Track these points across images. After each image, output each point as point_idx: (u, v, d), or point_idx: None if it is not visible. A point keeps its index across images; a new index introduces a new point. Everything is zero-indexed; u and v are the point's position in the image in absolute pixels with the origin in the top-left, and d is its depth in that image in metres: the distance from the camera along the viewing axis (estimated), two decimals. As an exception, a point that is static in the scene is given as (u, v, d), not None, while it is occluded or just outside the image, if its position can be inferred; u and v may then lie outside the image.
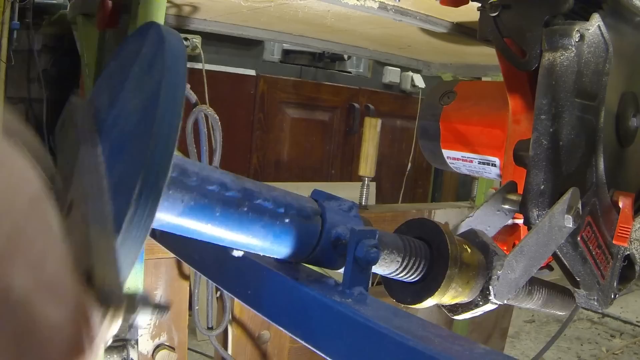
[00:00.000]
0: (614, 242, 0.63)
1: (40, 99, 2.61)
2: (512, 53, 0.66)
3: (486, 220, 0.63)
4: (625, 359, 2.68)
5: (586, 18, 0.62)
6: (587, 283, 0.64)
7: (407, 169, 2.77)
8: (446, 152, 0.86)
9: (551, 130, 0.59)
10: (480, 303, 0.52)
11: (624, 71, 0.68)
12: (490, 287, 0.51)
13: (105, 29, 1.04)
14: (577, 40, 0.59)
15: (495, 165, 0.80)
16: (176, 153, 0.35)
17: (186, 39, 2.28)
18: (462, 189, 3.79)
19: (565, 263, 0.62)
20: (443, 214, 1.70)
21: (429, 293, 0.49)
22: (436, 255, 0.49)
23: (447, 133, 0.85)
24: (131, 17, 0.88)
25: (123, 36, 0.95)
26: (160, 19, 0.84)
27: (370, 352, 0.41)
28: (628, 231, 0.62)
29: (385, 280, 0.53)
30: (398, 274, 0.50)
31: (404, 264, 0.49)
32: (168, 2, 1.04)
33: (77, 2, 1.27)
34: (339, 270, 0.49)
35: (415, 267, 0.49)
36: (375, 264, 0.46)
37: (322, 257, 0.48)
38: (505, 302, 0.53)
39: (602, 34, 0.62)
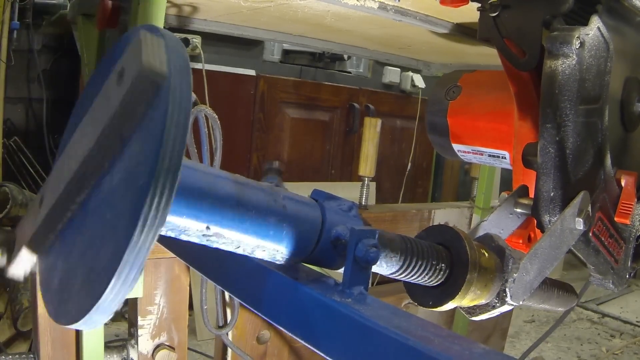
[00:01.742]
0: (615, 219, 0.64)
1: (40, 99, 2.61)
2: (512, 53, 0.66)
3: (500, 223, 0.65)
4: (625, 359, 2.68)
5: (585, 17, 0.62)
6: (602, 269, 0.67)
7: (407, 169, 2.77)
8: (456, 146, 0.87)
9: (557, 138, 0.60)
10: (497, 305, 0.54)
11: (627, 58, 0.68)
12: (507, 290, 0.53)
13: (105, 29, 1.04)
14: (577, 47, 0.59)
15: (505, 158, 0.81)
16: None
17: (186, 39, 2.29)
18: (462, 188, 3.79)
19: (579, 256, 0.64)
20: (443, 214, 1.70)
21: (450, 296, 0.51)
22: (456, 260, 0.51)
23: (455, 128, 0.85)
24: (131, 17, 0.88)
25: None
26: (160, 19, 0.84)
27: (370, 351, 0.41)
28: (630, 208, 0.63)
29: (406, 284, 0.54)
30: (400, 274, 0.50)
31: (406, 264, 0.49)
32: (168, 2, 1.04)
33: (77, 2, 1.27)
34: (338, 270, 0.49)
35: (421, 268, 0.50)
36: (374, 263, 0.46)
37: (322, 256, 0.48)
38: (520, 303, 0.55)
39: (602, 34, 0.62)
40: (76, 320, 0.34)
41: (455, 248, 0.51)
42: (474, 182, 1.83)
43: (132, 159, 0.35)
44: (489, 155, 0.83)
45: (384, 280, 1.85)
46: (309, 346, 0.46)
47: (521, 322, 2.97)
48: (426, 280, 0.51)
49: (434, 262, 0.50)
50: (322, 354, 0.45)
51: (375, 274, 0.48)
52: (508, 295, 0.53)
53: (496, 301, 0.54)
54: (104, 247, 0.34)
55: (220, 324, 1.19)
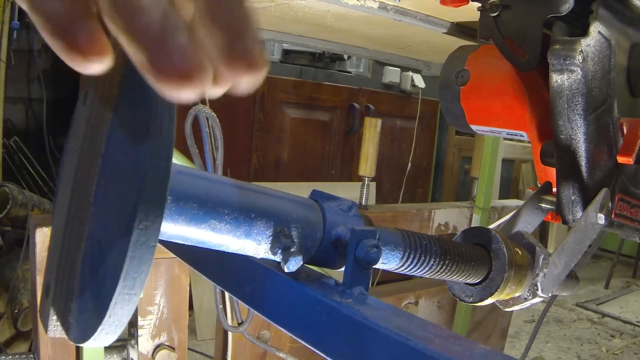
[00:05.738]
0: (618, 158, 0.65)
1: (40, 99, 2.61)
2: (512, 53, 0.66)
3: (527, 218, 0.71)
4: (625, 359, 2.68)
5: (586, 17, 0.62)
6: (628, 234, 0.72)
7: (407, 169, 2.77)
8: (474, 127, 0.88)
9: (571, 149, 0.63)
10: (529, 297, 0.59)
11: (630, 29, 0.69)
12: (538, 283, 0.58)
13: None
14: (580, 61, 0.60)
15: (523, 137, 0.82)
16: (178, 157, 0.34)
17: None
18: (462, 188, 3.79)
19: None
20: (443, 214, 1.70)
21: (491, 293, 0.55)
22: (495, 260, 0.56)
23: (470, 112, 0.86)
24: (131, 17, 0.87)
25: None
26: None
27: (370, 352, 0.41)
28: (634, 146, 0.65)
29: (448, 282, 0.58)
30: (400, 269, 0.50)
31: (404, 257, 0.49)
32: (168, 2, 1.03)
33: (77, 2, 1.27)
34: (339, 270, 0.49)
35: (421, 261, 0.50)
36: (375, 264, 0.46)
37: (323, 257, 0.48)
38: (549, 295, 0.60)
39: (603, 35, 0.62)
40: (85, 340, 0.34)
41: (494, 249, 0.56)
42: (474, 182, 1.83)
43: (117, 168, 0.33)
44: (507, 134, 0.85)
45: (383, 280, 1.85)
46: (309, 346, 0.46)
47: (521, 322, 2.97)
48: (432, 272, 0.52)
49: (440, 254, 0.52)
50: (322, 354, 0.45)
51: (376, 273, 0.48)
52: (539, 288, 0.58)
53: (528, 294, 0.59)
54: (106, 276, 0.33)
55: (239, 321, 1.18)
